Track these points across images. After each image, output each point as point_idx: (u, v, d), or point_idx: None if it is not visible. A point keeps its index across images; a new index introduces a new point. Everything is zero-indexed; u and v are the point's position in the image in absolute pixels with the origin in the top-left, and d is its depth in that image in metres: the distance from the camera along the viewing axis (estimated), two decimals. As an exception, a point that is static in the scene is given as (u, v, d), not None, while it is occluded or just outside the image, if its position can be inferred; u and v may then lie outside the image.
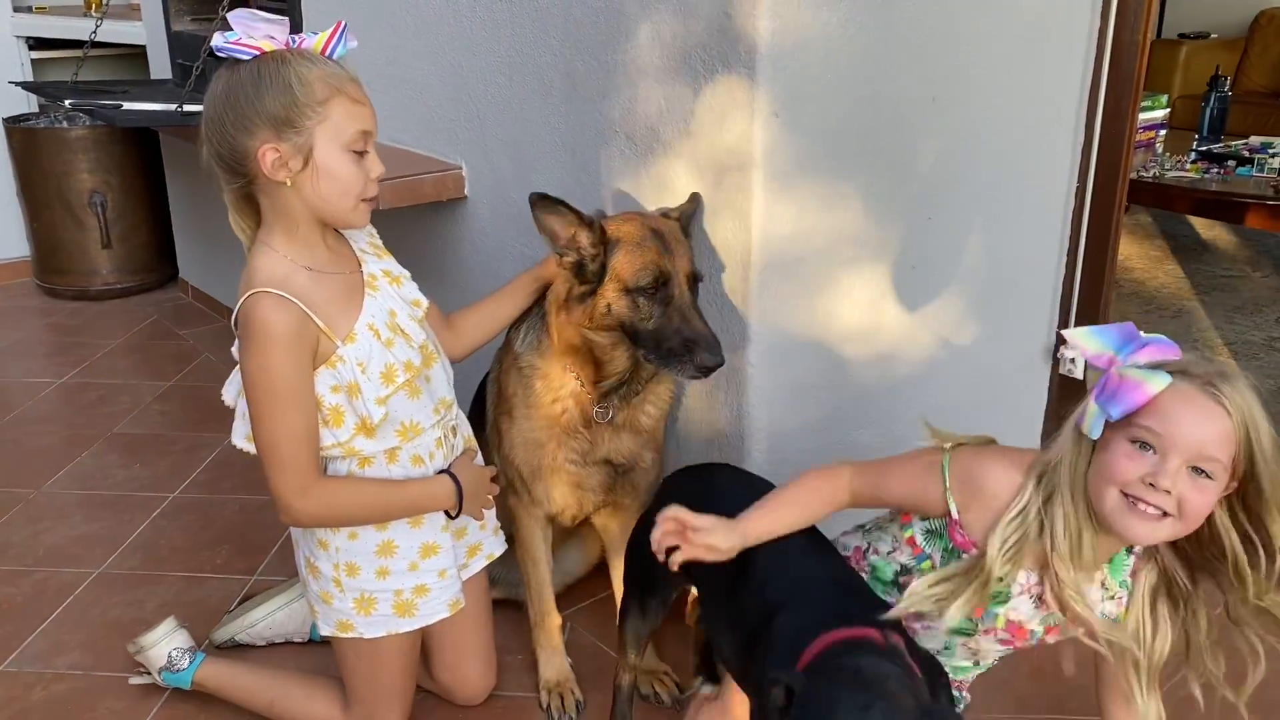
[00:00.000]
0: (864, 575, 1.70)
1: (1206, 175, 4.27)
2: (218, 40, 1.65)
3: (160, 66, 4.18)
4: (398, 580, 1.89)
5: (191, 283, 4.57)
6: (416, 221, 2.85)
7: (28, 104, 4.70)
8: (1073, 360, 2.73)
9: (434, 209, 2.77)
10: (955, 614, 1.52)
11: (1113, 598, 1.58)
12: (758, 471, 2.17)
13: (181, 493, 3.01)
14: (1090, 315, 2.74)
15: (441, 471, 1.90)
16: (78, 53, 4.36)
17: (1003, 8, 2.25)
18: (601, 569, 2.37)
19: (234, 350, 1.80)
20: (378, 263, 1.89)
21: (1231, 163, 4.35)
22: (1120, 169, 2.62)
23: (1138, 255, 4.65)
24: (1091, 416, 1.45)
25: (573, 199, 1.96)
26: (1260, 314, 3.97)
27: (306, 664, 2.22)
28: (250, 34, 1.65)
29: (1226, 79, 4.95)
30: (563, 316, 1.98)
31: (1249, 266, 4.53)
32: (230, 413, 1.86)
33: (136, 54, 4.52)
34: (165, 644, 2.11)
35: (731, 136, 2.00)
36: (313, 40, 1.70)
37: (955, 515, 1.57)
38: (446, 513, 1.92)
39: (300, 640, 2.33)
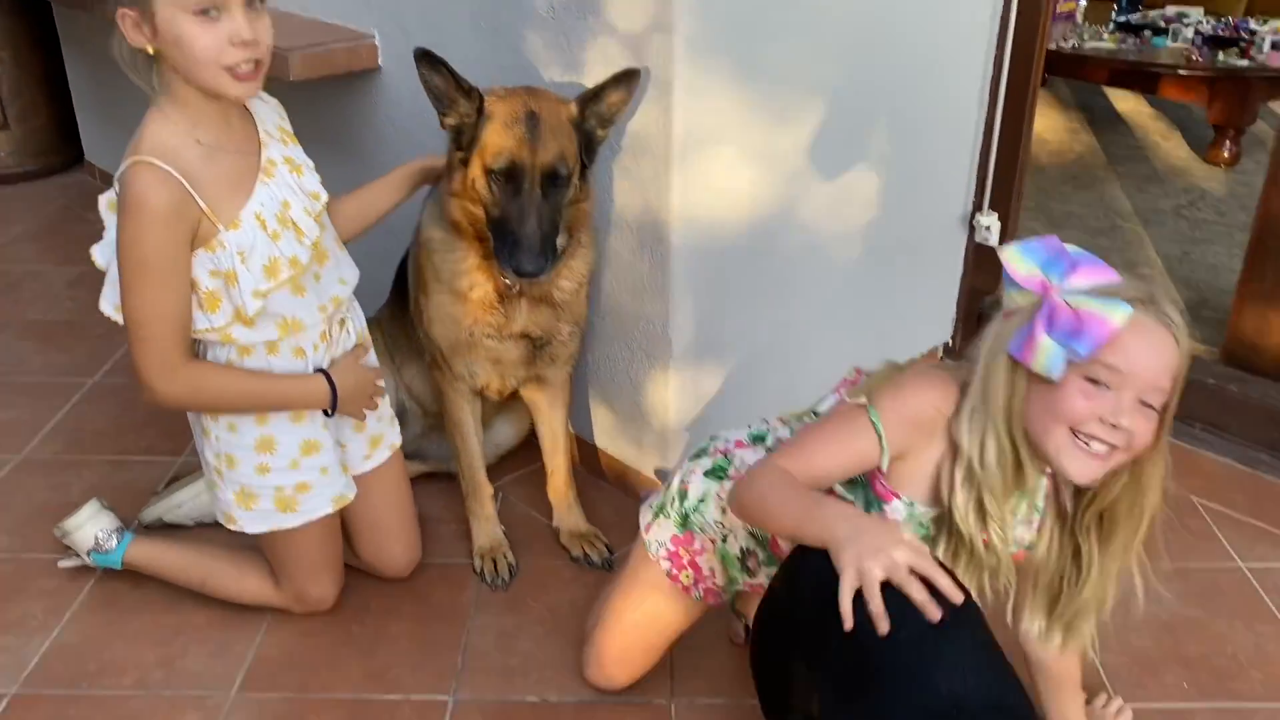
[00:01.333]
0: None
1: (1123, 46, 4.31)
2: None
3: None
4: (278, 477, 1.88)
5: (98, 165, 4.39)
6: (330, 96, 2.77)
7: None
8: (988, 228, 2.81)
9: (347, 82, 2.69)
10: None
11: (1028, 522, 1.55)
12: (681, 352, 2.21)
13: (102, 378, 2.96)
14: (1006, 185, 2.80)
15: (319, 370, 1.87)
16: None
17: None
18: (532, 441, 2.40)
19: (104, 207, 1.76)
20: (281, 149, 1.81)
21: (1148, 33, 4.39)
22: (1036, 41, 2.64)
23: (1055, 127, 4.71)
24: (1048, 354, 1.34)
25: (486, 67, 1.92)
26: (1170, 183, 4.08)
27: (237, 542, 2.23)
28: None
29: (1145, -52, 4.97)
30: (451, 187, 1.95)
31: (1160, 138, 4.62)
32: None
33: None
34: (90, 526, 2.10)
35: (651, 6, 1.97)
36: None
37: (884, 469, 1.50)
38: (324, 412, 1.89)
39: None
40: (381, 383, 2.03)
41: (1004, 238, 2.86)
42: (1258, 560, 2.22)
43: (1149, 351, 1.33)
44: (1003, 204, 2.81)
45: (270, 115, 1.84)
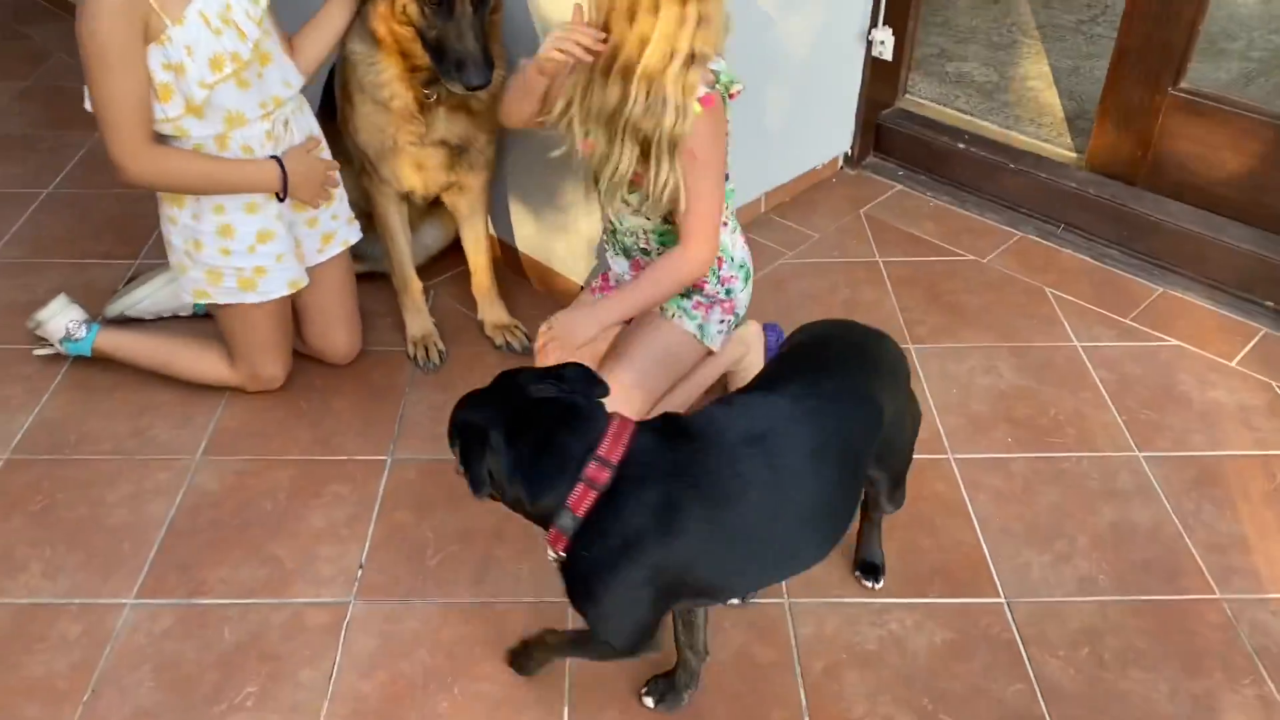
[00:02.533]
0: None
1: None
2: None
3: None
4: (238, 260, 2.15)
5: (31, -21, 4.41)
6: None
7: None
8: (883, 43, 3.01)
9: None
10: None
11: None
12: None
13: (55, 188, 3.15)
14: (903, 2, 2.98)
15: (271, 157, 2.10)
16: None
17: None
18: (459, 246, 2.65)
19: None
20: None
21: None
22: None
23: (976, -58, 4.80)
24: None
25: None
26: (1078, -1, 4.24)
27: (197, 330, 2.49)
28: None
29: None
30: (377, 8, 2.12)
31: (1079, -48, 4.73)
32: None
33: None
34: (61, 317, 2.36)
35: None
36: None
37: None
38: (277, 196, 2.13)
39: (185, 314, 2.59)
40: (336, 174, 2.25)
41: (899, 53, 3.07)
42: (1091, 340, 2.56)
43: None
44: (899, 20, 3.00)
45: None
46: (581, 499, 1.45)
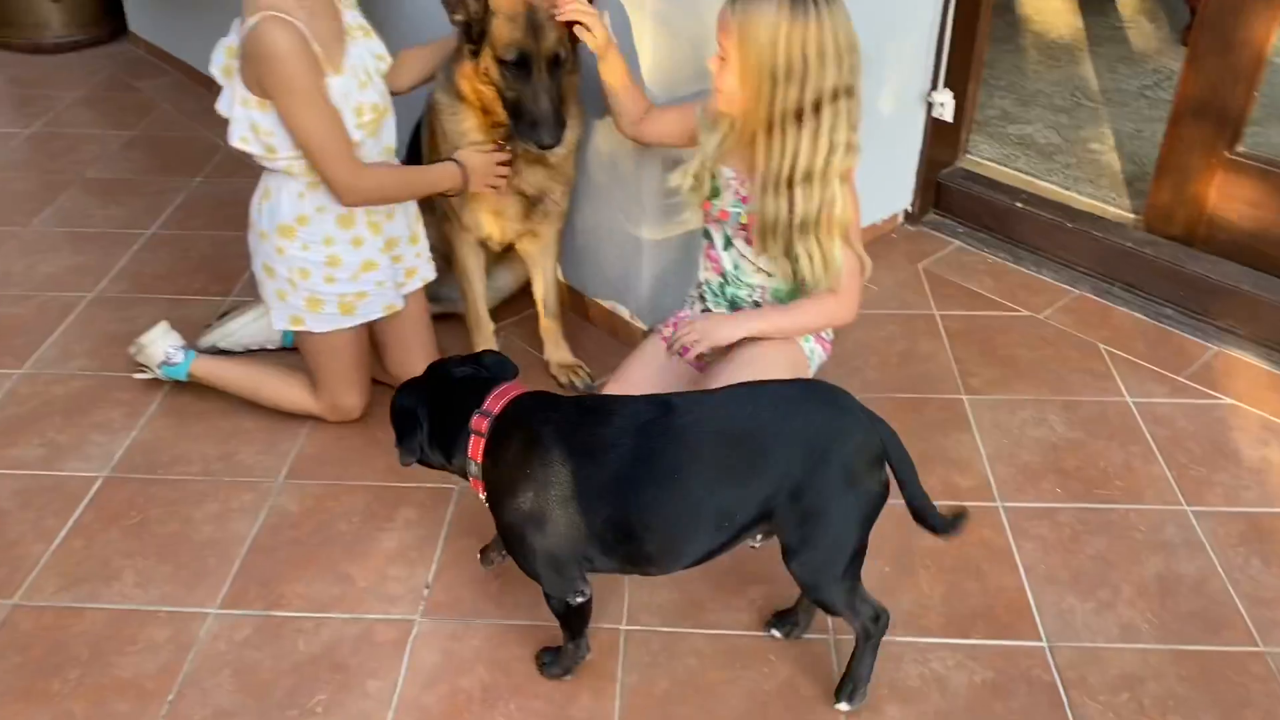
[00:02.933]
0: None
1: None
2: None
3: None
4: (342, 287, 2.32)
5: (142, 35, 4.73)
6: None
7: None
8: (943, 104, 3.11)
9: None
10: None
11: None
12: (651, 216, 2.56)
13: (158, 229, 3.37)
14: (962, 65, 3.09)
15: (449, 158, 2.33)
16: None
17: None
18: (526, 290, 2.79)
19: (217, 70, 2.17)
20: (354, 16, 2.24)
21: (1137, -82, 4.54)
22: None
23: (1044, 9, 4.89)
24: None
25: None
26: (1141, 64, 4.30)
27: (285, 362, 2.65)
28: None
29: None
30: (463, 66, 2.30)
31: (1146, 19, 4.80)
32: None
33: None
34: (161, 343, 2.54)
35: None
36: None
37: None
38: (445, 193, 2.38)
39: (273, 347, 2.77)
40: (505, 157, 2.39)
41: (959, 115, 3.17)
42: (1144, 396, 2.60)
43: None
44: (959, 83, 3.11)
45: None
46: (475, 446, 1.77)
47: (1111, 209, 3.17)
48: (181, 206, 3.49)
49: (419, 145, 2.58)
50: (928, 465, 2.37)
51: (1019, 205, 3.16)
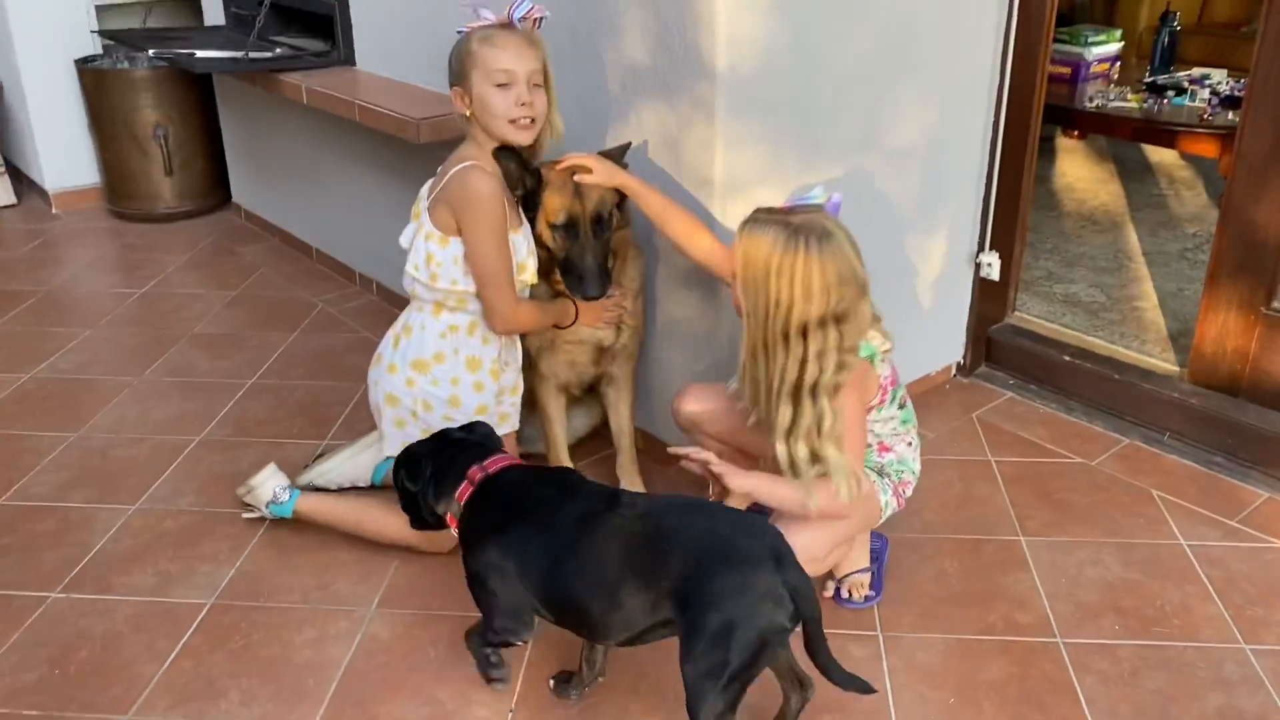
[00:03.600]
0: None
1: (1146, 105, 4.77)
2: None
3: (214, 13, 4.72)
4: (459, 422, 2.51)
5: (244, 206, 5.15)
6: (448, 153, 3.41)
7: (93, 46, 5.24)
8: (990, 265, 3.32)
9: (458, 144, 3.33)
10: None
11: None
12: (713, 357, 2.77)
13: (258, 379, 3.64)
14: (1008, 228, 3.31)
15: (565, 295, 2.63)
16: (140, -1, 4.89)
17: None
18: (604, 429, 2.99)
19: (421, 210, 2.50)
20: None
21: (1171, 93, 4.84)
22: (1032, 105, 3.17)
23: (1085, 177, 5.17)
24: None
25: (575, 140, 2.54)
26: (1182, 228, 4.51)
27: (382, 497, 2.83)
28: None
29: (1175, 14, 5.39)
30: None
31: (1183, 186, 5.04)
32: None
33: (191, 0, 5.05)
34: (270, 483, 2.75)
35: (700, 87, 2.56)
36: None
37: None
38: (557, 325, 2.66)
39: (364, 485, 2.96)
40: (617, 295, 2.66)
41: (1005, 274, 3.38)
42: (1197, 539, 2.69)
43: None
44: (1005, 245, 3.33)
45: None
46: (464, 491, 2.13)
47: (1157, 362, 3.31)
48: (280, 359, 3.77)
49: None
50: (989, 602, 2.47)
51: (1067, 359, 3.32)
